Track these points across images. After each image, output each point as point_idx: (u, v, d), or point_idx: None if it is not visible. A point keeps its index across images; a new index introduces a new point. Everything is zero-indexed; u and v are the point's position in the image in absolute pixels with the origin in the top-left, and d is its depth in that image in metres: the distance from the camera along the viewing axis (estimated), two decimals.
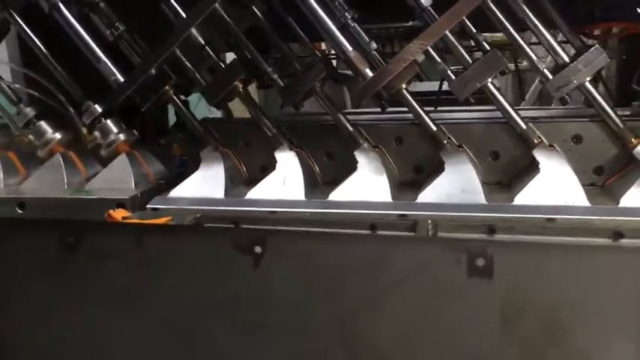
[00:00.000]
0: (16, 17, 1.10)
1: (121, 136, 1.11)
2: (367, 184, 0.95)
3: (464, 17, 0.91)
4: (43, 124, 1.15)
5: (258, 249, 0.77)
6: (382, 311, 0.76)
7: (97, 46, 1.05)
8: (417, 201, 0.91)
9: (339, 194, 0.95)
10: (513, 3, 0.92)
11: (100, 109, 1.10)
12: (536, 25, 0.93)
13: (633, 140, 0.92)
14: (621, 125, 0.93)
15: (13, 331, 0.91)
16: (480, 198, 0.90)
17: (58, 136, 1.15)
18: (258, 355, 0.81)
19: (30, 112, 1.16)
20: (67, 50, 1.07)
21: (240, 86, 1.03)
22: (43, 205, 1.02)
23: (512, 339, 0.73)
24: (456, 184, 0.92)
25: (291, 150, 1.02)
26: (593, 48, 0.89)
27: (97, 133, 1.12)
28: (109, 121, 1.11)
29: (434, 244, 0.77)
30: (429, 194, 0.92)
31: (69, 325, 0.88)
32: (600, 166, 0.98)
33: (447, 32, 0.92)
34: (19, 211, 1.02)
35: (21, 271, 0.90)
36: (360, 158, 0.97)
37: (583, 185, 0.89)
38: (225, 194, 1.02)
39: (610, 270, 0.70)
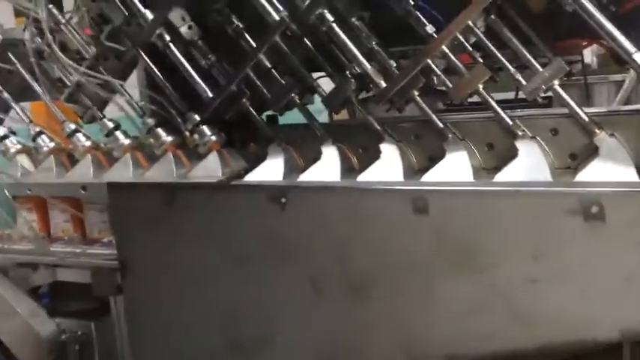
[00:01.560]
0: (142, 53, 1.54)
1: (213, 138, 1.49)
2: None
3: (457, 34, 1.19)
4: (159, 130, 1.57)
5: (283, 199, 1.14)
6: None
7: (195, 71, 1.45)
8: None
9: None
10: (496, 26, 1.19)
11: (198, 118, 1.50)
12: (515, 45, 1.19)
13: (597, 131, 1.15)
14: (587, 119, 1.16)
15: (134, 259, 1.38)
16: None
17: (169, 139, 1.57)
18: (285, 266, 1.24)
19: (151, 122, 1.58)
20: (175, 74, 1.48)
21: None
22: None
23: None
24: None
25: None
26: (555, 60, 1.14)
27: (196, 136, 1.52)
28: (204, 127, 1.50)
29: None
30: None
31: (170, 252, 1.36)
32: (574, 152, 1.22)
33: (445, 48, 1.21)
34: None
35: (140, 217, 1.39)
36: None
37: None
38: (283, 178, 1.37)
39: None
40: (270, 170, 1.39)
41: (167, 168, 1.54)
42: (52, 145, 1.73)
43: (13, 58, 1.72)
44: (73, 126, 1.69)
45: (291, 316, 1.29)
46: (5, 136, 1.77)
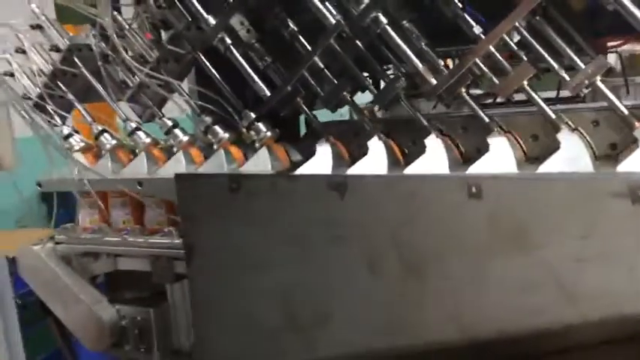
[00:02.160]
0: (201, 56, 1.65)
1: (269, 134, 1.60)
2: None
3: (504, 35, 1.28)
4: (216, 127, 1.68)
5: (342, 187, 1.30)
6: None
7: (253, 71, 1.56)
8: None
9: None
10: (540, 25, 1.28)
11: (254, 116, 1.60)
12: (559, 44, 1.28)
13: (637, 124, 1.23)
14: (626, 112, 1.24)
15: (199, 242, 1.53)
16: None
17: (226, 135, 1.68)
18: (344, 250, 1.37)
19: (208, 120, 1.69)
20: (236, 74, 1.59)
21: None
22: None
23: None
24: None
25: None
26: (597, 58, 1.22)
27: (252, 132, 1.63)
28: (260, 124, 1.61)
29: None
30: None
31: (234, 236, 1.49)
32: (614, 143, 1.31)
33: (492, 48, 1.30)
34: None
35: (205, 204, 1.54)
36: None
37: None
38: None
39: None
40: (321, 163, 1.49)
41: (218, 163, 1.65)
42: (114, 142, 1.85)
43: (78, 62, 1.84)
44: (134, 124, 1.81)
45: (348, 295, 1.38)
46: (70, 135, 1.89)
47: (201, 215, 1.57)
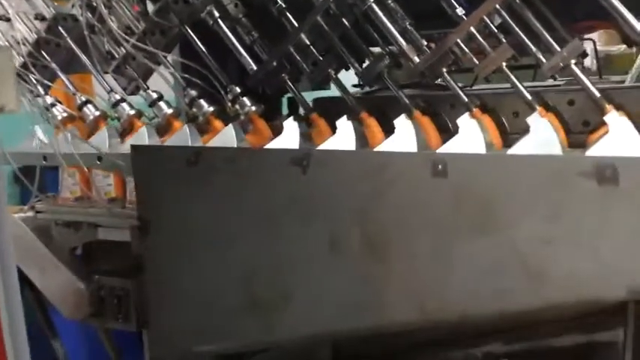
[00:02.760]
0: (188, 30, 1.67)
1: (253, 108, 1.63)
2: None
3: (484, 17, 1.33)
4: (201, 101, 1.70)
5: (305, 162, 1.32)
6: None
7: (241, 45, 1.59)
8: None
9: None
10: (520, 8, 1.34)
11: (239, 90, 1.63)
12: (536, 26, 1.34)
13: (607, 106, 1.29)
14: (598, 95, 1.30)
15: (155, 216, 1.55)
16: None
17: (211, 109, 1.70)
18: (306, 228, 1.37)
19: (194, 93, 1.71)
20: (220, 48, 1.62)
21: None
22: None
23: None
24: None
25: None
26: (572, 41, 1.28)
27: (237, 106, 1.65)
28: (245, 98, 1.63)
29: None
30: None
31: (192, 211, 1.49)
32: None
33: (473, 29, 1.35)
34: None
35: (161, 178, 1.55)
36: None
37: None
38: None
39: None
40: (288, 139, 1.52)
41: (182, 139, 1.65)
42: (97, 113, 1.85)
43: (63, 32, 1.84)
44: (118, 96, 1.81)
45: (309, 274, 1.38)
46: (53, 104, 1.88)
47: (158, 189, 1.56)
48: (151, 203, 1.58)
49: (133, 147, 1.59)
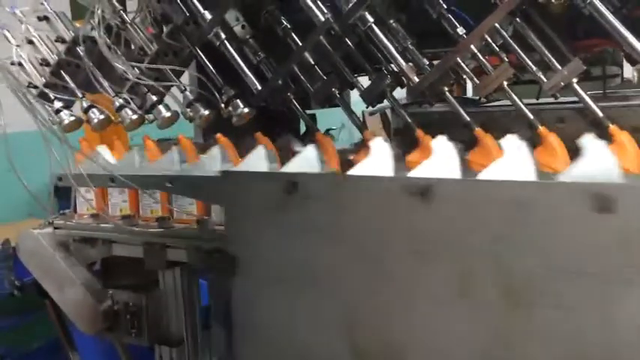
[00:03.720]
0: (198, 50, 1.71)
1: (245, 110, 1.60)
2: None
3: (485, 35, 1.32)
4: (197, 105, 1.70)
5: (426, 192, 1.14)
6: None
7: (247, 66, 1.61)
8: None
9: None
10: (521, 27, 1.32)
11: (232, 92, 1.61)
12: (538, 46, 1.32)
13: (610, 126, 1.26)
14: (601, 115, 1.27)
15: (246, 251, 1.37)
16: None
17: (207, 112, 1.67)
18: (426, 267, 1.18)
19: (190, 96, 1.73)
20: (227, 68, 1.64)
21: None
22: None
23: None
24: None
25: None
26: (574, 60, 1.26)
27: (230, 108, 1.63)
28: (238, 100, 1.61)
29: None
30: None
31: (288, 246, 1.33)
32: None
33: (473, 48, 1.34)
34: None
35: (255, 207, 1.37)
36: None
37: None
38: None
39: None
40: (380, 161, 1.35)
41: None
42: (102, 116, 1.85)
43: (82, 54, 1.90)
44: (121, 101, 1.83)
45: (429, 320, 1.17)
46: (59, 110, 1.90)
47: (251, 221, 1.36)
48: (243, 238, 1.39)
49: (224, 173, 1.45)
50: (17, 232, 2.09)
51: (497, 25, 1.30)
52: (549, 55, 1.30)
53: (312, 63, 1.56)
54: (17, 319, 3.09)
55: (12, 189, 2.00)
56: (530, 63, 1.30)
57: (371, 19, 1.41)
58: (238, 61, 1.61)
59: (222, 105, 1.63)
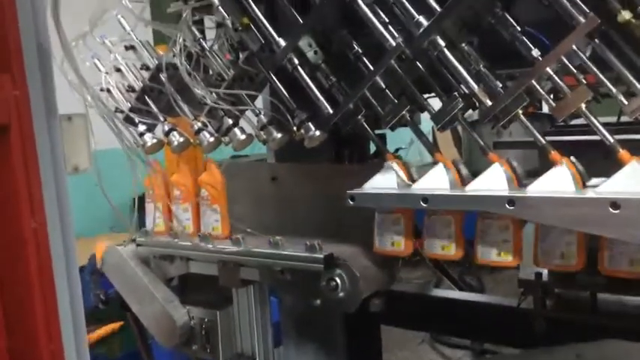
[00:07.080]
0: (272, 76, 1.76)
1: (317, 133, 1.65)
2: None
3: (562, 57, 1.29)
4: (270, 127, 1.77)
5: None
6: None
7: (318, 90, 1.65)
8: None
9: None
10: (599, 48, 1.28)
11: (305, 115, 1.67)
12: (618, 67, 1.27)
13: None
14: None
15: None
16: None
17: (279, 135, 1.74)
18: None
19: (264, 119, 1.78)
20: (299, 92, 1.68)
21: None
22: None
23: None
24: None
25: None
26: None
27: (302, 131, 1.68)
28: (310, 123, 1.65)
29: None
30: None
31: None
32: None
33: (549, 70, 1.31)
34: None
35: None
36: None
37: None
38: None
39: None
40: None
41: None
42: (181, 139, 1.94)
43: (164, 80, 2.01)
44: (199, 124, 1.90)
45: None
46: (142, 133, 2.01)
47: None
48: None
49: None
50: (101, 246, 2.20)
51: (574, 47, 1.26)
52: (630, 77, 1.25)
53: (383, 87, 1.57)
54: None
55: (97, 203, 2.14)
56: (610, 86, 1.26)
57: (442, 43, 1.40)
58: (310, 86, 1.64)
59: (295, 128, 1.67)
